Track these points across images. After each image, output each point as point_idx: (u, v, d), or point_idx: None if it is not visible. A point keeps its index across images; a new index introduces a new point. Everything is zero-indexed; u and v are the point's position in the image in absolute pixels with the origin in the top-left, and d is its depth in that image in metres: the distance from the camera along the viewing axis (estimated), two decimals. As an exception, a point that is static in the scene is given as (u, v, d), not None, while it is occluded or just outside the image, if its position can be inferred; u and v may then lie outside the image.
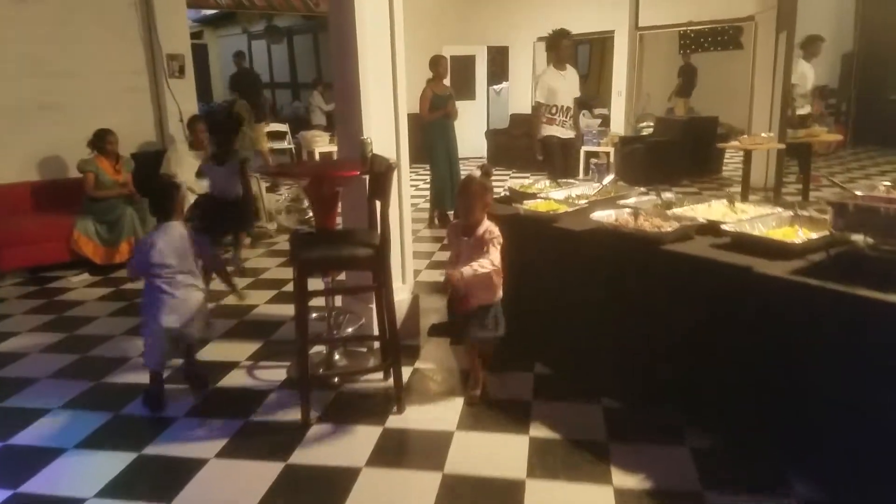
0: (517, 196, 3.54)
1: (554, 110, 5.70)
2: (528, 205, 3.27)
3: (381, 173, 2.94)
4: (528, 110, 11.18)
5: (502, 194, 3.95)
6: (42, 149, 5.75)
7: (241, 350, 3.63)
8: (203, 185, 5.44)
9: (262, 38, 16.54)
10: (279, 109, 16.29)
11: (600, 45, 11.43)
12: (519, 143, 10.29)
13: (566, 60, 5.82)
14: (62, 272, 5.24)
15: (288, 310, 3.96)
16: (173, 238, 2.99)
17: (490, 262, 2.68)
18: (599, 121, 9.65)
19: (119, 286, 4.92)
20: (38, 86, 5.66)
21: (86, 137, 5.36)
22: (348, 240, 3.03)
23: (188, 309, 2.98)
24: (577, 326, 3.00)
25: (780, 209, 2.80)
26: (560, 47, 5.78)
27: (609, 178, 3.75)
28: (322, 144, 10.31)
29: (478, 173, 2.82)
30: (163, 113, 6.38)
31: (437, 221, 6.68)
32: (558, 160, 5.74)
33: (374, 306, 3.25)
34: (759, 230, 2.51)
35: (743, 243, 2.46)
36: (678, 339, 2.54)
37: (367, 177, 3.16)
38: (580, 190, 3.62)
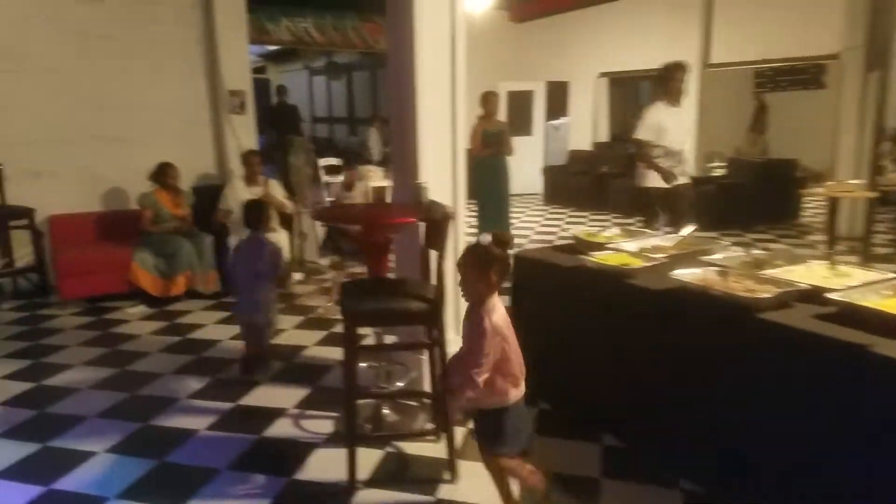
0: (584, 246, 3.29)
1: (661, 151, 5.08)
2: (597, 256, 3.00)
3: (437, 221, 2.82)
4: (589, 146, 11.09)
5: (563, 242, 3.77)
6: (104, 180, 5.92)
7: (289, 396, 3.53)
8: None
9: (322, 73, 16.99)
10: (336, 144, 16.61)
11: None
12: (577, 181, 10.11)
13: (679, 96, 5.17)
14: (119, 303, 5.31)
15: (338, 353, 3.85)
16: (256, 245, 3.87)
17: (468, 366, 2.07)
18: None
19: (173, 320, 4.93)
20: (101, 118, 5.84)
21: (147, 169, 5.47)
22: (401, 291, 2.90)
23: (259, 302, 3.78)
24: (655, 398, 2.66)
25: (892, 275, 2.47)
26: (674, 80, 5.11)
27: (689, 229, 3.48)
28: (376, 179, 10.36)
29: (487, 239, 2.19)
30: (223, 147, 6.49)
31: None
32: (662, 214, 5.16)
33: (426, 358, 3.10)
34: (871, 300, 2.20)
35: (854, 315, 2.14)
36: (772, 425, 2.20)
37: (421, 223, 3.05)
38: (655, 241, 3.32)
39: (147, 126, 6.08)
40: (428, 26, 3.29)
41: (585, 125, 11.03)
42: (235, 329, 4.48)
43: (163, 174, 5.48)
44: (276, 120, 9.88)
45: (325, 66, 15.73)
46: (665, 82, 5.20)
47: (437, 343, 2.73)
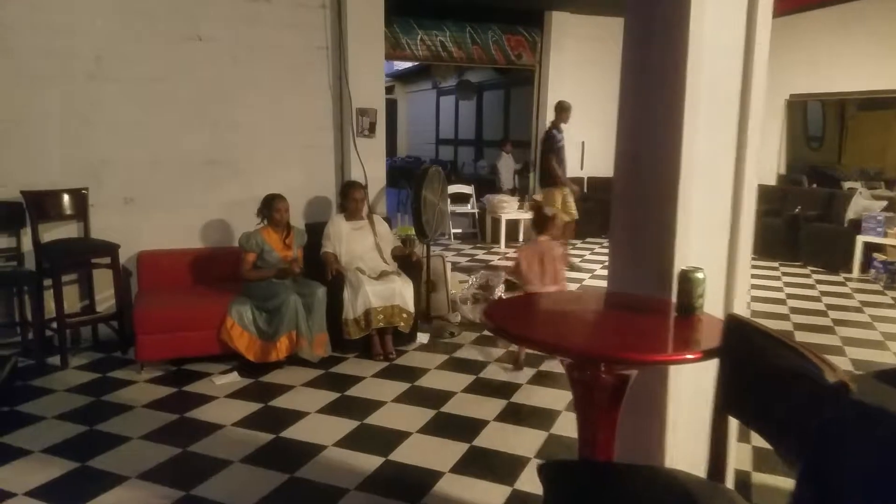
0: None
1: None
2: None
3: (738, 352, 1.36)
4: (774, 181, 9.17)
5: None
6: (204, 211, 4.93)
7: None
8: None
9: (451, 93, 16.01)
10: (460, 168, 15.49)
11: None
12: (762, 223, 8.13)
13: None
14: (209, 366, 4.24)
15: None
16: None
17: None
18: (885, 203, 7.31)
19: (267, 400, 3.76)
20: (205, 137, 4.88)
21: (254, 200, 4.40)
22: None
23: None
24: None
25: None
26: None
27: None
28: (510, 212, 9.03)
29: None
30: (346, 175, 5.36)
31: None
32: None
33: None
34: None
35: None
36: None
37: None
38: None
39: (257, 148, 5.07)
40: (710, 31, 1.97)
41: (770, 155, 9.08)
42: (346, 424, 3.24)
43: (269, 208, 4.38)
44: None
45: (457, 84, 14.70)
46: None
47: None
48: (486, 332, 5.08)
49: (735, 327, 1.55)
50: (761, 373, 1.48)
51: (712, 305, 1.93)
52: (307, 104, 5.23)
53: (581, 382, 1.69)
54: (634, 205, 2.15)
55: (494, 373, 4.27)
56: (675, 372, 1.98)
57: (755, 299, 6.21)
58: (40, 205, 4.27)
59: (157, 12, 4.60)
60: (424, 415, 3.61)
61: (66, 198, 4.37)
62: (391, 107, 18.46)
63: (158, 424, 3.44)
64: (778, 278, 7.22)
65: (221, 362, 4.28)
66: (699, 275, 1.75)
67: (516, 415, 3.62)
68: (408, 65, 15.38)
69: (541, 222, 4.50)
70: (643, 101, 2.13)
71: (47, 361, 4.23)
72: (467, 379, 4.14)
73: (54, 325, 4.20)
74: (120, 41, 4.52)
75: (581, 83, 9.74)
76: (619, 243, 2.25)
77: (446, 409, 3.71)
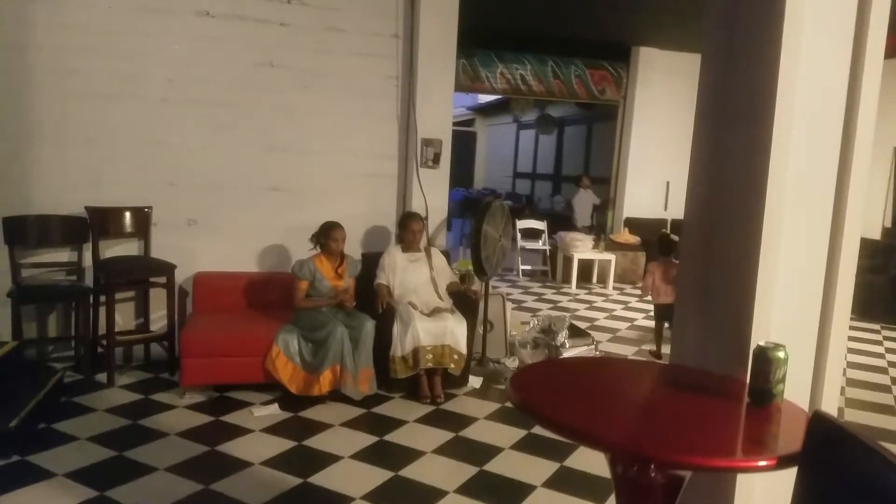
0: None
1: None
2: None
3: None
4: (878, 235, 8.33)
5: None
6: (263, 235, 4.86)
7: None
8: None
9: (531, 127, 15.79)
10: (536, 202, 15.17)
11: None
12: (863, 280, 7.36)
13: None
14: (252, 395, 4.12)
15: None
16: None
17: None
18: None
19: (303, 439, 3.56)
20: (270, 165, 4.84)
21: (313, 227, 4.29)
22: None
23: None
24: None
25: None
26: None
27: None
28: (584, 251, 8.61)
29: None
30: (407, 206, 5.20)
31: None
32: None
33: None
34: None
35: None
36: None
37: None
38: None
39: (320, 175, 4.99)
40: (806, 66, 1.66)
41: (875, 207, 8.26)
42: (379, 474, 2.99)
43: (327, 237, 4.26)
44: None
45: (538, 119, 14.48)
46: None
47: None
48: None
49: (822, 429, 1.20)
50: (854, 492, 1.12)
51: (796, 391, 1.57)
52: (374, 133, 5.13)
53: (625, 480, 1.37)
54: (706, 260, 1.81)
55: None
56: (741, 477, 1.61)
57: (852, 365, 5.53)
58: (103, 221, 4.33)
59: (231, 37, 4.64)
60: (465, 472, 3.30)
61: (128, 215, 4.42)
62: (470, 139, 18.45)
63: (187, 456, 3.31)
64: (879, 343, 6.45)
65: (265, 391, 4.14)
66: (780, 353, 1.40)
67: (568, 482, 3.24)
68: (489, 98, 15.33)
69: (667, 245, 5.61)
70: (721, 142, 1.82)
71: (95, 378, 4.24)
72: (518, 434, 3.79)
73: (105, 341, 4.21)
74: (192, 65, 4.58)
75: (666, 120, 9.28)
76: (686, 306, 1.90)
77: (490, 466, 3.38)
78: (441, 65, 5.12)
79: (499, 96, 13.19)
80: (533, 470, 3.33)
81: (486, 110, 17.48)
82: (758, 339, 1.55)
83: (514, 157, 17.34)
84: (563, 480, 3.25)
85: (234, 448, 3.43)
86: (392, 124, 5.18)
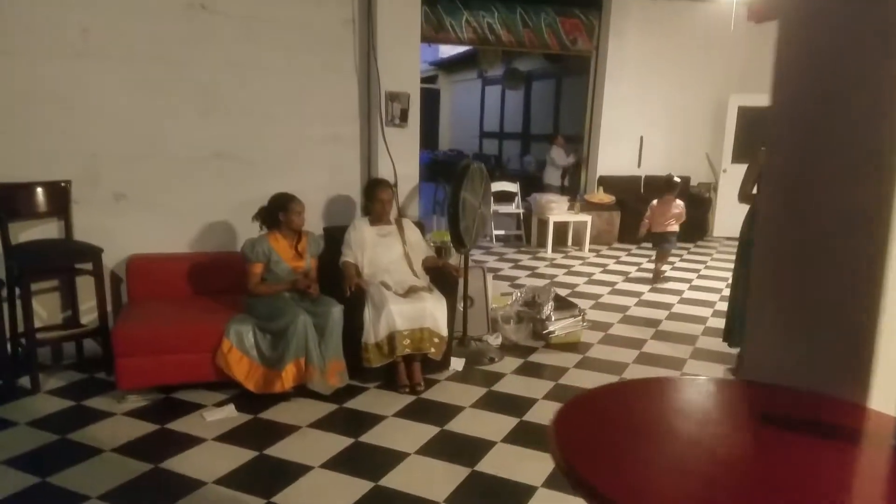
0: None
1: None
2: None
3: None
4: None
5: None
6: (205, 211, 4.25)
7: None
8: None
9: (497, 83, 15.16)
10: (505, 163, 14.66)
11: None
12: None
13: None
14: (203, 395, 3.57)
15: None
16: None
17: None
18: None
19: (264, 447, 3.04)
20: (208, 125, 4.19)
21: (263, 200, 3.70)
22: None
23: None
24: None
25: None
26: None
27: None
28: (559, 213, 8.16)
29: None
30: (373, 172, 4.63)
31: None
32: None
33: None
34: None
35: None
36: None
37: None
38: None
39: (271, 139, 4.37)
40: None
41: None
42: (356, 485, 2.52)
43: (282, 208, 3.68)
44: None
45: (504, 73, 13.86)
46: None
47: None
48: (531, 359, 4.31)
49: None
50: None
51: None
52: (330, 88, 4.51)
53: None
54: (800, 256, 1.33)
55: (543, 414, 3.48)
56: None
57: None
58: (11, 199, 3.65)
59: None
60: (455, 475, 2.85)
61: (41, 191, 3.74)
62: (433, 97, 17.66)
63: (125, 478, 2.77)
64: None
65: (219, 390, 3.61)
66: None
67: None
68: (452, 52, 14.60)
69: (670, 184, 6.55)
70: (825, 110, 1.31)
71: (18, 384, 3.63)
72: (508, 423, 3.37)
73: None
74: (111, 11, 3.85)
75: (641, 73, 8.81)
76: (764, 308, 1.42)
77: (483, 466, 2.94)
78: (405, 4, 4.50)
79: (463, 49, 12.51)
80: (528, 467, 2.92)
81: (449, 66, 16.75)
82: (889, 352, 1.08)
83: (480, 116, 16.72)
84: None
85: (183, 464, 2.90)
86: (351, 78, 4.56)
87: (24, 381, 3.63)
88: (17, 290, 3.61)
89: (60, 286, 3.96)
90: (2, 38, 3.63)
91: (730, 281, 4.41)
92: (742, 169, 4.32)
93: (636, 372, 4.16)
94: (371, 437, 3.20)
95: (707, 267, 7.38)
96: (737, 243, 4.22)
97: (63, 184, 3.79)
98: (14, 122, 3.71)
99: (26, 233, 3.80)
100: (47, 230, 3.84)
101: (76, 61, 3.80)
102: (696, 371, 4.15)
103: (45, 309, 3.92)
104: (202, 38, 4.09)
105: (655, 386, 1.39)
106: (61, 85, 3.79)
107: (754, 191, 4.00)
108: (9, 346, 3.66)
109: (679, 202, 6.49)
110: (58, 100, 3.79)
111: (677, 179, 6.66)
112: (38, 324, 3.74)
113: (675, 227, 6.47)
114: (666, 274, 6.66)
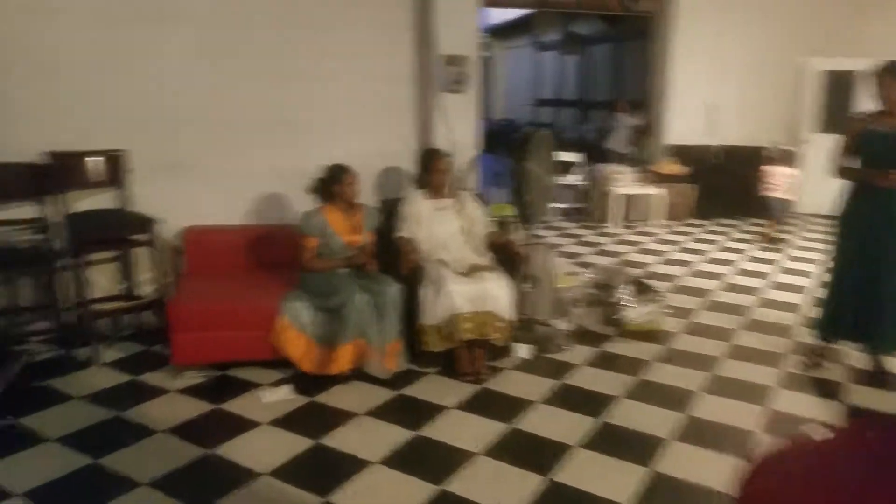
0: None
1: None
2: None
3: None
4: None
5: None
6: (261, 181, 4.09)
7: None
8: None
9: (553, 49, 14.58)
10: (562, 132, 14.15)
11: None
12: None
13: None
14: (260, 373, 3.46)
15: None
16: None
17: None
18: None
19: (320, 436, 2.89)
20: (261, 92, 4.03)
21: (316, 167, 3.51)
22: None
23: None
24: None
25: None
26: None
27: None
28: (626, 185, 7.75)
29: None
30: (428, 141, 4.38)
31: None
32: None
33: None
34: None
35: None
36: None
37: None
38: None
39: (322, 105, 4.17)
40: None
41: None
42: (417, 487, 2.33)
43: (339, 181, 3.48)
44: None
45: (563, 38, 13.28)
46: None
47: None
48: (605, 348, 3.97)
49: None
50: None
51: None
52: (381, 51, 4.24)
53: None
54: None
55: (626, 416, 3.12)
56: None
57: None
58: (68, 169, 3.56)
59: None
60: (528, 483, 2.58)
61: (98, 161, 3.64)
62: (486, 64, 17.17)
63: (177, 464, 2.67)
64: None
65: (275, 369, 3.48)
66: None
67: (667, 495, 2.53)
68: (505, 17, 14.04)
69: (787, 157, 6.88)
70: None
71: (76, 355, 3.58)
72: (585, 423, 3.03)
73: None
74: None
75: (716, 31, 8.16)
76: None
77: (559, 475, 2.63)
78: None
79: (515, 14, 11.99)
80: (617, 481, 2.59)
81: (501, 32, 16.17)
82: None
83: (533, 84, 16.16)
84: (661, 492, 2.54)
85: (236, 450, 2.78)
86: (404, 39, 4.29)
87: (84, 352, 3.59)
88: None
89: (118, 257, 3.89)
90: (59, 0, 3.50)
91: (829, 264, 3.76)
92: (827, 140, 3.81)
93: (728, 368, 3.67)
94: (432, 430, 2.98)
95: (797, 248, 6.72)
96: (828, 221, 3.71)
97: (120, 153, 3.68)
98: (71, 89, 3.60)
99: (83, 202, 3.73)
100: (103, 200, 3.76)
101: (133, 27, 3.66)
102: (799, 370, 3.70)
103: (105, 279, 3.86)
104: (256, 2, 3.88)
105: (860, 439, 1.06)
106: (119, 49, 3.66)
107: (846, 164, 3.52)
108: (71, 317, 3.61)
109: (788, 170, 6.68)
110: (114, 65, 3.66)
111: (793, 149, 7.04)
112: (98, 294, 3.68)
113: (783, 195, 6.70)
114: (779, 238, 6.78)
